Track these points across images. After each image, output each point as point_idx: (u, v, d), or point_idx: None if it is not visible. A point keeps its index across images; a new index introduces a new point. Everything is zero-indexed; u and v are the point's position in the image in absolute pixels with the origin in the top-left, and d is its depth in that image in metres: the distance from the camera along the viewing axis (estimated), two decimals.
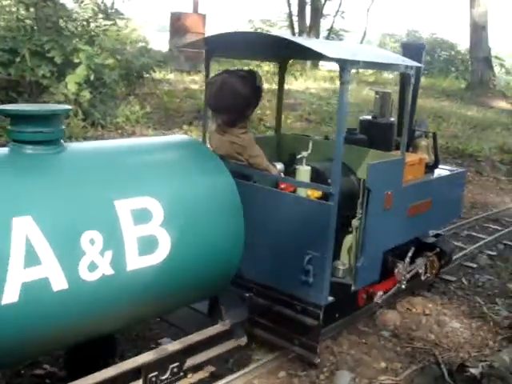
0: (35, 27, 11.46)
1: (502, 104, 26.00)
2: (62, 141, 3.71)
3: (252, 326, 4.96)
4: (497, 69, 31.91)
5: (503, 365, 5.35)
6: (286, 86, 17.56)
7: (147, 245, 3.69)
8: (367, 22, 39.61)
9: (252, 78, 5.33)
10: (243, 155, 5.26)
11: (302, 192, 5.06)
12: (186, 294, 4.25)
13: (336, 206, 4.68)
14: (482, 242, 8.93)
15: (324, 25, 36.38)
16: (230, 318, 4.47)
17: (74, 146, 4.10)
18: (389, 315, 6.24)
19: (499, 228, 9.87)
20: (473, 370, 5.16)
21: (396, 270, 5.81)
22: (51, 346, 3.65)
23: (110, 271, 3.48)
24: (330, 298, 4.93)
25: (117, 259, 3.51)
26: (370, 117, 6.58)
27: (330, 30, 37.19)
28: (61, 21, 11.55)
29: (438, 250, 6.52)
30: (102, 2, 12.38)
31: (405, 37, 44.48)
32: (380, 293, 5.70)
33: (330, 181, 4.90)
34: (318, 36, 33.59)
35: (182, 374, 4.10)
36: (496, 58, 31.70)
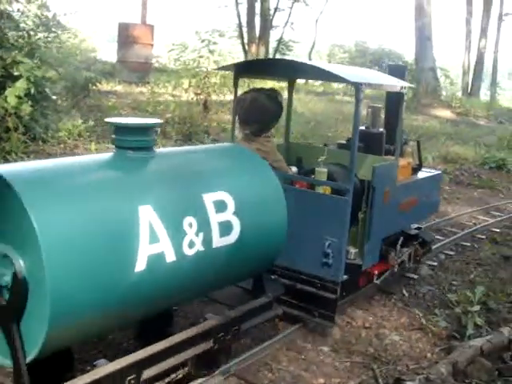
0: None
1: (447, 113, 26.59)
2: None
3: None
4: (442, 79, 32.63)
5: (440, 377, 5.41)
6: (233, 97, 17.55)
7: (225, 228, 4.76)
8: (316, 33, 40.10)
9: (275, 95, 6.49)
10: (268, 160, 5.97)
11: (320, 189, 6.22)
12: (248, 269, 5.35)
13: (350, 200, 5.86)
14: None
15: (273, 36, 36.61)
16: (271, 293, 5.60)
17: (162, 151, 5.20)
18: (328, 329, 6.26)
19: (441, 238, 10.03)
20: None
21: (390, 256, 6.94)
22: (163, 304, 4.74)
23: (202, 248, 4.53)
24: (345, 276, 6.07)
25: (206, 239, 4.57)
26: (364, 127, 7.46)
27: (280, 40, 37.43)
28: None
29: (420, 239, 7.72)
30: (43, 15, 12.17)
31: (353, 47, 45.12)
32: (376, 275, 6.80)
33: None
34: (267, 47, 33.78)
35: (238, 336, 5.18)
36: (441, 69, 32.43)
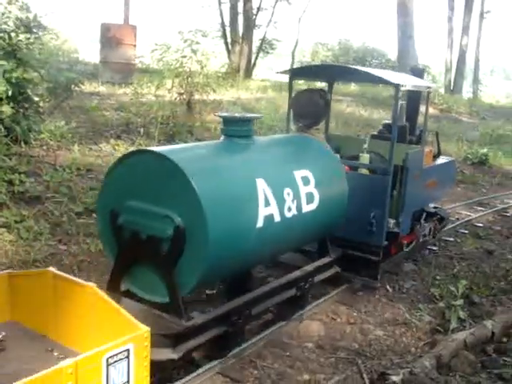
0: None
1: (430, 110, 26.68)
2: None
3: None
4: (425, 76, 32.72)
5: (424, 370, 5.46)
6: (217, 97, 17.48)
7: (309, 198, 6.17)
8: (299, 32, 40.09)
9: (325, 95, 7.71)
10: None
11: (362, 170, 7.67)
12: (321, 231, 6.80)
13: (391, 178, 7.24)
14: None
15: (257, 35, 36.57)
16: (333, 254, 7.03)
17: (257, 139, 6.32)
18: (313, 326, 6.30)
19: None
20: (394, 378, 5.24)
21: (416, 229, 8.31)
22: (272, 253, 6.15)
23: (295, 212, 5.89)
24: (385, 242, 7.42)
25: (298, 205, 5.96)
26: (390, 121, 8.64)
27: (263, 40, 37.42)
28: None
29: (438, 216, 9.10)
30: (26, 17, 12.07)
31: (337, 45, 45.17)
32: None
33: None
34: (250, 46, 33.75)
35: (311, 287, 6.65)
36: (423, 65, 32.52)
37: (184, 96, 15.59)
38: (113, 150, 12.09)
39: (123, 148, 12.09)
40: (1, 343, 4.19)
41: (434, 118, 24.21)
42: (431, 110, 26.75)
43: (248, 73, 32.53)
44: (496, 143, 21.03)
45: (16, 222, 7.77)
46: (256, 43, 36.61)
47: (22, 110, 11.21)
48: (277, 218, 5.58)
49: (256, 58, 36.40)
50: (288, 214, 5.74)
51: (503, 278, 8.40)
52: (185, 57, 15.81)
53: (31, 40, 12.88)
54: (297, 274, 6.39)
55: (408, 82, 7.82)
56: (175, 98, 15.52)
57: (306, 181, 6.15)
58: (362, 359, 5.83)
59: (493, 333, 6.39)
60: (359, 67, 8.68)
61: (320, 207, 6.29)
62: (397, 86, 7.24)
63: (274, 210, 5.55)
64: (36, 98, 11.71)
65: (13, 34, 11.80)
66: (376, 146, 8.04)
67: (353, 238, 7.33)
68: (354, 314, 6.84)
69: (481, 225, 11.19)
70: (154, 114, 14.76)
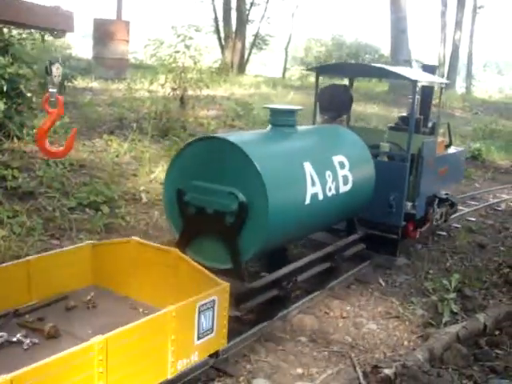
0: None
1: None
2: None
3: None
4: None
5: (416, 363, 5.49)
6: (210, 93, 17.47)
7: (345, 180, 6.91)
8: (292, 27, 40.11)
9: (348, 90, 8.70)
10: None
11: (384, 158, 8.43)
12: (352, 210, 7.50)
13: (409, 165, 8.02)
14: None
15: (250, 30, 36.56)
16: (360, 231, 7.80)
17: (299, 128, 7.02)
18: (306, 320, 6.31)
19: None
20: (386, 371, 5.27)
21: (429, 213, 9.04)
22: (316, 226, 7.02)
23: (334, 192, 6.68)
24: (404, 222, 8.18)
25: (336, 186, 6.72)
26: (405, 114, 9.67)
27: (256, 35, 37.41)
28: None
29: (449, 201, 9.89)
30: None
31: (330, 41, 45.16)
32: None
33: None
34: (243, 42, 33.73)
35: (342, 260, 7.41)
36: (416, 61, 32.61)
37: (177, 91, 15.57)
38: (106, 146, 12.07)
39: (116, 143, 12.08)
40: (92, 302, 5.01)
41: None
42: None
43: (241, 68, 32.55)
44: (489, 138, 21.09)
45: (9, 217, 7.75)
46: (249, 39, 36.60)
47: (14, 106, 11.19)
48: (320, 197, 6.39)
49: (249, 54, 36.42)
50: (329, 194, 6.56)
51: (495, 271, 8.44)
52: (178, 52, 15.78)
53: (23, 36, 12.86)
54: (332, 248, 7.17)
55: (424, 78, 8.74)
56: (168, 94, 15.51)
57: (341, 165, 6.93)
58: (355, 352, 5.85)
59: (485, 326, 6.42)
60: (379, 65, 10.08)
61: (353, 189, 7.06)
62: (414, 82, 8.04)
63: (318, 189, 6.36)
64: (29, 94, 11.68)
65: (5, 30, 11.77)
66: (393, 137, 8.76)
67: (374, 218, 8.07)
68: (347, 307, 6.86)
69: (473, 219, 11.23)
70: (147, 110, 14.75)
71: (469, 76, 45.38)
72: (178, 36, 16.01)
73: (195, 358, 4.47)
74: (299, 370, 5.42)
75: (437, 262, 8.69)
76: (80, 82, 17.95)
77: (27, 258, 5.04)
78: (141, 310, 4.96)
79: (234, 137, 6.06)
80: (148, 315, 4.15)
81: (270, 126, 6.67)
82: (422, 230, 8.92)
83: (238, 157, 5.64)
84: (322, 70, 9.85)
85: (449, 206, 9.95)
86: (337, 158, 6.90)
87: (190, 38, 16.18)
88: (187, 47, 15.87)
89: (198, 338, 4.44)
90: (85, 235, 7.79)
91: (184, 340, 4.28)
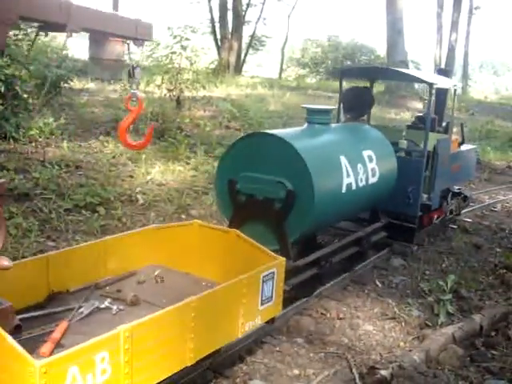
0: None
1: (418, 106, 26.82)
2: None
3: None
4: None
5: (413, 365, 5.50)
6: (207, 94, 17.44)
7: (373, 172, 7.65)
8: (288, 28, 40.09)
9: (369, 91, 9.53)
10: None
11: (402, 153, 9.01)
12: (377, 200, 8.24)
13: (425, 160, 8.71)
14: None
15: (246, 31, 36.57)
16: (383, 219, 8.59)
17: (333, 125, 7.94)
18: (303, 321, 6.31)
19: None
20: (383, 372, 5.27)
21: (443, 206, 9.84)
22: (351, 213, 7.96)
23: (364, 183, 7.41)
24: (420, 213, 8.91)
25: (366, 178, 7.46)
26: (421, 114, 10.69)
27: (252, 36, 37.42)
28: None
29: (462, 195, 10.67)
30: None
31: (326, 42, 45.20)
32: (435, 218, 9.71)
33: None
34: (240, 43, 33.73)
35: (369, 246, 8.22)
36: (412, 62, 32.66)
37: (173, 92, 15.57)
38: (102, 147, 12.06)
39: (112, 145, 12.08)
40: (159, 277, 5.69)
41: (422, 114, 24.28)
42: (420, 106, 26.92)
43: (237, 69, 32.54)
44: (485, 139, 21.13)
45: (5, 218, 7.72)
46: (245, 39, 36.59)
47: (10, 107, 11.17)
48: (353, 187, 7.14)
49: (245, 55, 36.40)
50: (360, 184, 7.29)
51: (491, 272, 8.45)
52: (174, 53, 15.80)
53: (20, 37, 12.85)
54: (360, 234, 7.95)
55: (439, 81, 9.47)
56: (165, 95, 15.52)
57: (370, 159, 7.65)
58: (352, 354, 5.84)
59: (481, 327, 6.43)
60: (397, 68, 10.89)
61: (379, 180, 7.81)
62: (431, 85, 8.84)
63: (352, 180, 7.11)
64: (25, 95, 11.66)
65: None
66: (411, 135, 9.53)
67: (393, 209, 8.74)
68: (344, 309, 6.86)
69: (469, 220, 11.25)
70: (144, 111, 14.74)
71: (465, 77, 45.49)
72: (175, 37, 16.01)
73: (258, 322, 5.23)
74: (296, 372, 5.41)
75: (433, 262, 8.70)
76: (76, 83, 17.93)
77: (104, 238, 5.77)
78: (203, 283, 5.63)
79: (281, 133, 6.88)
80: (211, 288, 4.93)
81: (306, 123, 7.39)
82: (436, 220, 9.73)
83: (287, 150, 6.43)
84: (345, 73, 10.70)
85: (461, 200, 10.68)
86: (366, 153, 7.64)
87: (187, 39, 16.19)
88: (183, 48, 15.88)
89: (261, 304, 5.20)
90: (81, 237, 7.79)
91: (251, 305, 5.05)
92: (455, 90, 9.98)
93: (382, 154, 8.06)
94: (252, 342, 5.74)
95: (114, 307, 4.97)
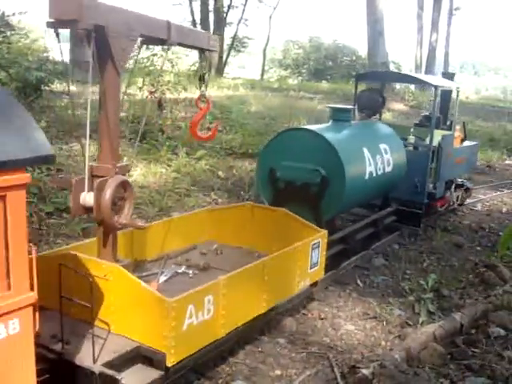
0: None
1: (400, 106, 26.97)
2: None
3: None
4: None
5: (394, 363, 5.54)
6: (188, 95, 17.35)
7: (388, 163, 8.91)
8: (270, 29, 40.10)
9: (382, 92, 10.63)
10: None
11: (410, 147, 10.40)
12: (390, 187, 9.47)
13: (431, 153, 9.96)
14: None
15: (228, 32, 36.55)
16: (393, 204, 9.78)
17: (354, 122, 9.28)
18: (285, 321, 6.33)
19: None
20: (364, 371, 5.32)
21: (447, 195, 11.13)
22: (372, 197, 9.18)
23: (382, 171, 8.68)
24: (426, 200, 10.09)
25: (383, 167, 8.73)
26: (427, 113, 11.98)
27: (234, 37, 37.41)
28: None
29: (465, 187, 12.06)
30: None
31: (308, 43, 45.30)
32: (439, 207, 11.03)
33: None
34: (222, 44, 33.68)
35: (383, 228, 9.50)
36: (393, 63, 32.83)
37: (155, 94, 15.51)
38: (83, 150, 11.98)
39: (93, 147, 12.01)
40: (218, 249, 6.99)
41: (403, 115, 24.45)
42: (401, 107, 27.09)
43: (219, 71, 32.48)
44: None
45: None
46: (227, 41, 36.56)
47: None
48: (374, 174, 8.43)
49: (227, 56, 36.36)
50: (379, 172, 8.58)
51: (472, 270, 8.54)
52: (155, 55, 15.74)
53: None
54: (375, 216, 9.32)
55: (443, 83, 10.94)
56: (146, 97, 15.45)
57: (385, 151, 8.92)
58: (333, 353, 5.89)
59: (461, 325, 6.50)
60: (405, 72, 13.57)
61: (393, 170, 9.04)
62: (436, 87, 10.27)
63: (372, 168, 8.39)
64: None
65: None
66: (418, 132, 10.91)
67: (402, 196, 9.91)
68: (326, 309, 6.90)
69: (450, 219, 11.34)
70: (125, 113, 14.68)
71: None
72: None
73: (307, 283, 6.49)
74: (278, 372, 5.45)
75: (414, 262, 8.78)
76: (57, 86, 17.78)
77: (171, 217, 7.43)
78: (256, 254, 6.76)
79: (315, 128, 8.23)
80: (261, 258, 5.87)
81: (331, 121, 8.62)
82: (440, 208, 11.01)
83: (321, 142, 7.68)
84: (360, 77, 12.80)
85: (464, 191, 12.04)
86: (382, 146, 8.92)
87: None
88: (165, 50, 15.82)
89: (310, 268, 6.43)
90: (62, 240, 7.75)
91: (304, 267, 6.29)
92: (458, 92, 11.14)
93: (394, 147, 9.29)
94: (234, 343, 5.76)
95: (190, 272, 6.20)
